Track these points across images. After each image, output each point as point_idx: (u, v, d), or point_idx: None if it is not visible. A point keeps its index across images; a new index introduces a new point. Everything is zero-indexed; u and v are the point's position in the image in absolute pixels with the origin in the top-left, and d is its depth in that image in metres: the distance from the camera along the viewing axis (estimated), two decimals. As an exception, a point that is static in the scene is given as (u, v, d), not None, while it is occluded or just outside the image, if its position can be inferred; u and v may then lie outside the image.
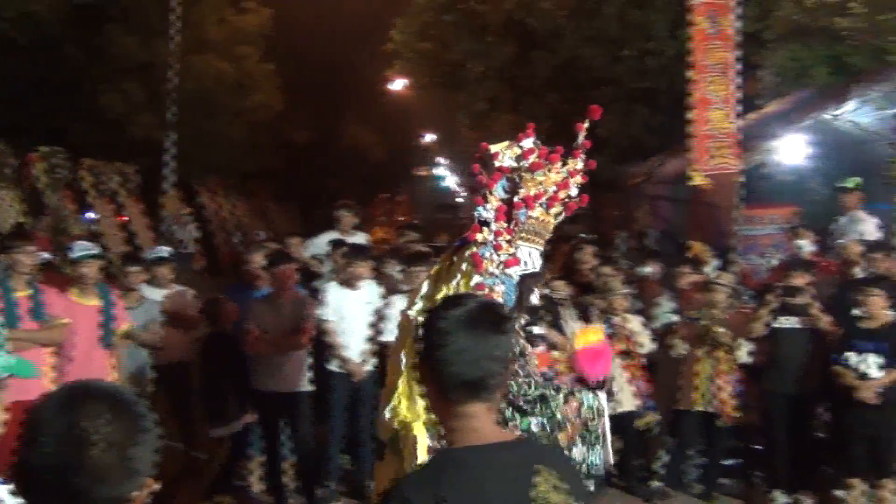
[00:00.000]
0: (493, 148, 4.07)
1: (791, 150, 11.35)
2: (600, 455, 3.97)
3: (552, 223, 4.18)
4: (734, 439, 8.40)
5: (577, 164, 4.11)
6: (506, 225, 3.98)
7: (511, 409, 3.86)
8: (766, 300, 7.91)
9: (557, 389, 4.01)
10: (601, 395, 4.10)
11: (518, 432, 3.79)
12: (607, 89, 17.71)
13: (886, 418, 7.35)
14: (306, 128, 32.96)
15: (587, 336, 4.57)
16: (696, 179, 9.77)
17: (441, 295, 4.02)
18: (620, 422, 8.15)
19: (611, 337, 7.92)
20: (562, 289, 8.42)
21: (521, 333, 4.12)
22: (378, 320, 7.78)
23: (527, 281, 4.05)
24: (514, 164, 4.04)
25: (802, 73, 14.26)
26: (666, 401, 8.31)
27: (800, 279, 7.86)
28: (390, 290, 8.18)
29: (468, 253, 4.02)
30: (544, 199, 4.06)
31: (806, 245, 9.39)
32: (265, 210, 32.94)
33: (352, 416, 7.90)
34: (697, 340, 8.03)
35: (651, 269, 9.35)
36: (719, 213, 9.96)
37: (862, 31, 8.75)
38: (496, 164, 4.03)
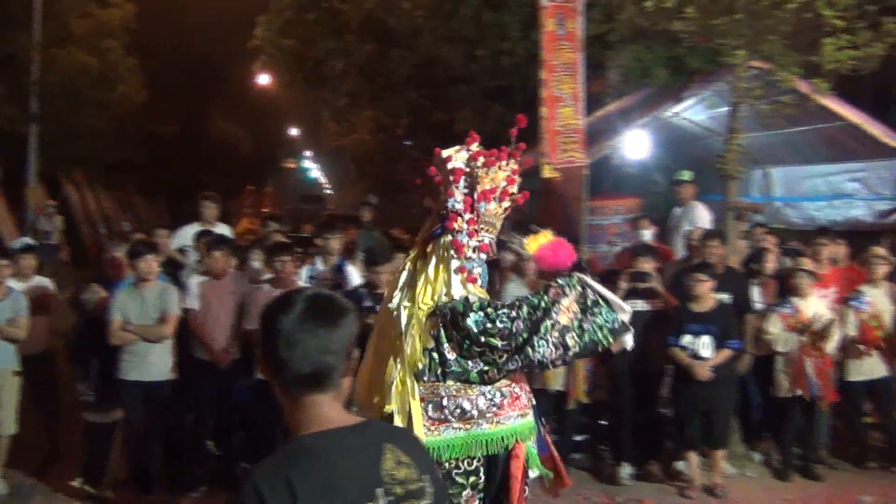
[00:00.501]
0: (445, 152, 4.46)
1: (634, 144, 11.64)
2: (611, 313, 4.21)
3: (502, 215, 4.57)
4: (583, 416, 8.55)
5: (514, 164, 4.49)
6: (470, 216, 4.39)
7: (521, 337, 4.10)
8: (617, 285, 8.05)
9: (535, 294, 4.26)
10: (576, 275, 4.33)
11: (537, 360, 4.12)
12: (464, 87, 17.82)
13: (719, 394, 7.65)
14: (173, 121, 32.19)
15: (538, 239, 4.80)
16: (547, 172, 9.87)
17: (420, 284, 4.36)
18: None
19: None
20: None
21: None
22: (242, 309, 7.66)
23: (492, 265, 4.56)
24: (464, 166, 4.42)
25: (644, 73, 14.65)
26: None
27: (646, 264, 8.06)
28: (254, 279, 8.06)
29: (446, 240, 4.38)
30: (497, 194, 4.44)
31: (647, 233, 9.65)
32: (132, 202, 32.04)
33: (218, 403, 7.74)
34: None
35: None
36: (568, 204, 10.11)
37: (696, 34, 8.96)
38: (450, 165, 4.42)
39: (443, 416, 4.15)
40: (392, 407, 4.20)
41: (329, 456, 2.22)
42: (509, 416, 4.23)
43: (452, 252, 4.32)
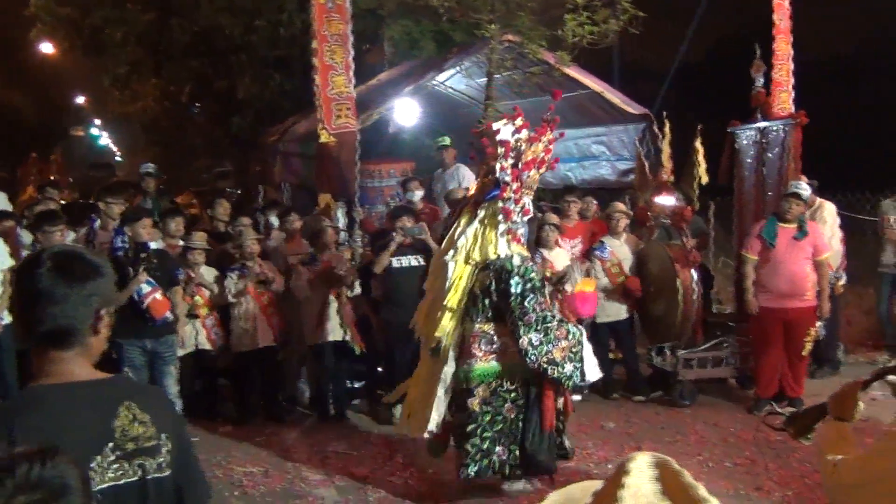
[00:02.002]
0: (495, 125, 5.17)
1: (404, 111, 11.65)
2: (581, 371, 5.17)
3: (538, 179, 5.31)
4: (361, 364, 8.59)
5: (550, 135, 5.24)
6: (517, 185, 5.08)
7: (521, 323, 5.05)
8: (387, 243, 8.07)
9: (553, 317, 5.16)
10: (581, 327, 5.39)
11: (524, 343, 5.14)
12: (244, 56, 17.31)
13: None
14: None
15: (585, 286, 6.09)
16: (323, 137, 9.70)
17: (470, 241, 5.21)
18: (260, 356, 8.09)
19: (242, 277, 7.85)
20: (199, 239, 8.15)
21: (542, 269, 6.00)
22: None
23: (532, 223, 5.54)
24: (510, 138, 5.05)
25: (413, 45, 14.70)
26: (300, 335, 8.34)
27: (407, 223, 8.12)
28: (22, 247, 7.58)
29: (497, 206, 5.12)
30: (537, 162, 5.14)
31: (417, 194, 9.71)
32: None
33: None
34: (322, 280, 8.09)
35: (273, 218, 9.34)
36: (343, 167, 10.00)
37: (454, 9, 9.05)
38: (498, 137, 5.06)
39: (491, 349, 5.12)
40: (441, 335, 5.23)
41: (57, 407, 2.13)
42: None
43: (501, 217, 5.07)
